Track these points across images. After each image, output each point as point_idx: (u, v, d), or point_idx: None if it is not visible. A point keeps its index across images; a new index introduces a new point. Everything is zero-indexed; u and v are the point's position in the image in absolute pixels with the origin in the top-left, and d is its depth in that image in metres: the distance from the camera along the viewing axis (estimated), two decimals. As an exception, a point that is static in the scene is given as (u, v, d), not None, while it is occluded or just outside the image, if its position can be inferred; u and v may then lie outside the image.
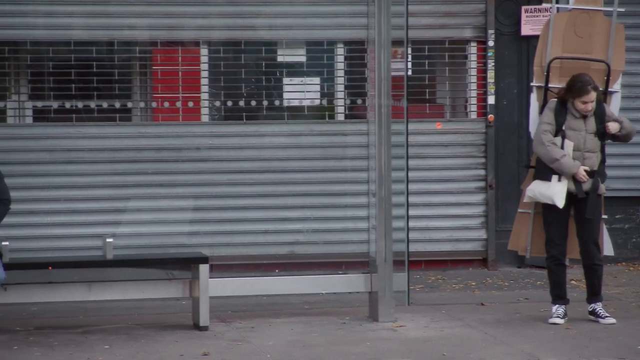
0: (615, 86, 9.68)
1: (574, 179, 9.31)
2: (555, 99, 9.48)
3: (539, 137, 9.38)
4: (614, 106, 9.69)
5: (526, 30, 12.29)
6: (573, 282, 10.88)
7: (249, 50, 12.10)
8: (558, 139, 9.33)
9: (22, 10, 11.66)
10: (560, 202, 9.32)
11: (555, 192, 9.33)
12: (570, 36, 9.66)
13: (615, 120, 9.49)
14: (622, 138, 9.56)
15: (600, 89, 9.47)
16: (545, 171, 9.39)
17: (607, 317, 9.52)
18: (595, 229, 9.52)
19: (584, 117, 9.36)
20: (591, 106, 9.32)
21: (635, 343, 8.83)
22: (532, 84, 9.87)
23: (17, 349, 8.73)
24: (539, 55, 9.78)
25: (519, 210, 9.84)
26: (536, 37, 12.19)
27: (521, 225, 9.84)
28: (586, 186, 9.35)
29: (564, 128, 9.35)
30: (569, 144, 9.33)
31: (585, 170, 9.31)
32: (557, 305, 9.59)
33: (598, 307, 9.58)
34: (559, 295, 9.59)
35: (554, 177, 9.33)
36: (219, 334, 9.20)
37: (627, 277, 11.87)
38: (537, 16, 12.22)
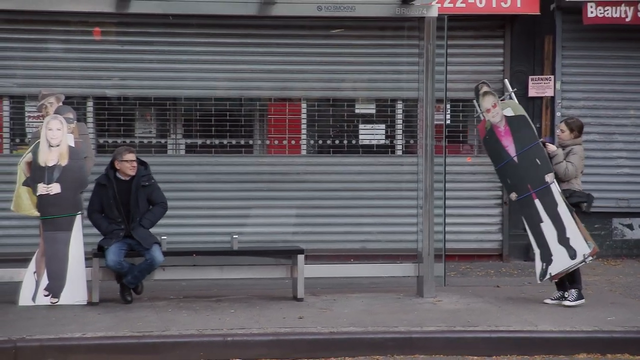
0: None
1: None
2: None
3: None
4: None
5: (532, 92, 12.18)
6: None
7: (335, 104, 12.13)
8: None
9: (179, 76, 11.81)
10: None
11: None
12: None
13: None
14: None
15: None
16: None
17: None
18: None
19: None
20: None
21: (607, 316, 8.76)
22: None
23: (171, 312, 8.83)
24: None
25: None
26: (539, 98, 12.21)
27: None
28: None
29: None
30: None
31: None
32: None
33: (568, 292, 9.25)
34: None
35: None
36: (310, 304, 9.21)
37: (602, 270, 11.73)
38: (540, 83, 12.15)
